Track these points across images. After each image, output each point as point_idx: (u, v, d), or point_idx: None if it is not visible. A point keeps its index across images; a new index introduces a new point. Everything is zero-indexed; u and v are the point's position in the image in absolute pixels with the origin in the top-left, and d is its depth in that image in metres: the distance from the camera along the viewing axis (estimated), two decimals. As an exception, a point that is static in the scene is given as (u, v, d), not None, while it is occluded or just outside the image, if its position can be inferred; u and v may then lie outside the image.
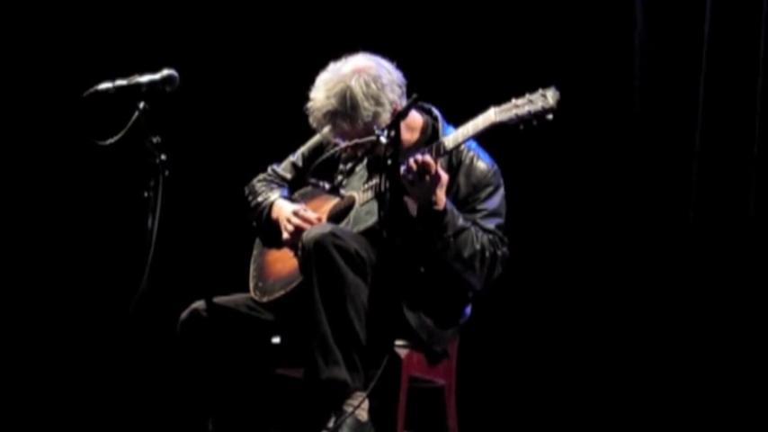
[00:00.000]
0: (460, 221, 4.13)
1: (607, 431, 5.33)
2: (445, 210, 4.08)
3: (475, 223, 4.19)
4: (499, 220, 4.25)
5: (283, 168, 4.61)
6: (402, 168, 4.00)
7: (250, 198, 4.55)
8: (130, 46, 5.88)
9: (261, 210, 4.50)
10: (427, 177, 4.02)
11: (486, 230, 4.19)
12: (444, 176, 4.08)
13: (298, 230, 4.30)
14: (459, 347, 4.39)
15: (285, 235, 4.36)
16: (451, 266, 4.14)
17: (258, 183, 4.59)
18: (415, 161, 4.01)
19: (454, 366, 4.38)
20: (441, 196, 4.08)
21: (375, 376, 3.95)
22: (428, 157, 4.02)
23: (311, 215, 4.35)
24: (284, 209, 4.43)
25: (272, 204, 4.48)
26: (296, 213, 4.36)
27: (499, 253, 4.19)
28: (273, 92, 5.85)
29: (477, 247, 4.14)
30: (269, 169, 4.63)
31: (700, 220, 5.14)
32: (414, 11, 5.77)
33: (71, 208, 6.06)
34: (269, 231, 4.47)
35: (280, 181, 4.59)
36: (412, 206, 4.18)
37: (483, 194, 4.25)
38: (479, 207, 4.23)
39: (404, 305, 4.13)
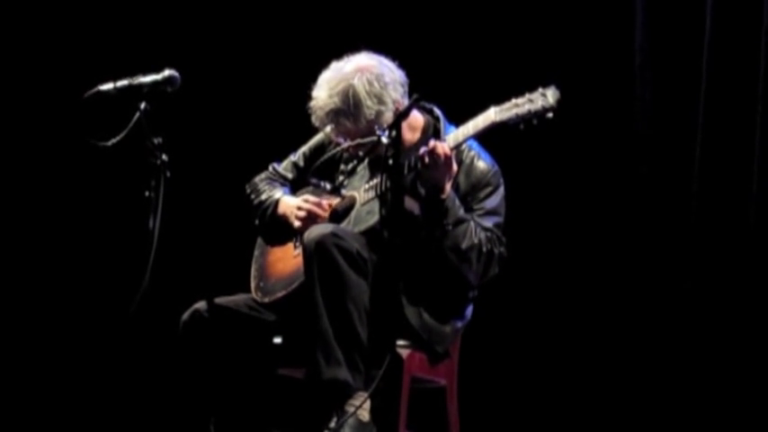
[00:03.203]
0: (461, 212, 4.15)
1: (607, 431, 5.34)
2: (448, 197, 4.10)
3: (473, 220, 4.19)
4: (498, 219, 4.25)
5: (284, 168, 4.60)
6: (422, 150, 4.04)
7: (253, 196, 4.54)
8: (132, 47, 5.88)
9: (265, 207, 4.49)
10: (443, 166, 4.04)
11: (484, 228, 4.19)
12: (455, 169, 4.11)
13: (310, 216, 4.32)
14: (461, 347, 4.39)
15: (297, 223, 4.36)
16: (448, 258, 4.14)
17: (260, 181, 4.58)
18: (437, 148, 4.03)
19: (456, 366, 4.38)
20: (447, 186, 4.10)
21: (377, 376, 3.96)
22: (449, 149, 4.05)
23: (321, 200, 4.36)
24: (291, 202, 4.43)
25: (277, 201, 4.47)
26: (306, 200, 4.38)
27: (496, 251, 4.20)
28: (275, 91, 5.85)
29: (475, 240, 4.14)
30: (270, 168, 4.62)
31: (700, 226, 5.13)
32: (415, 10, 5.77)
33: (73, 209, 6.06)
34: (273, 228, 4.47)
35: (281, 180, 4.58)
36: (412, 206, 4.19)
37: (482, 194, 4.26)
38: (477, 206, 4.23)
39: (405, 305, 4.14)
